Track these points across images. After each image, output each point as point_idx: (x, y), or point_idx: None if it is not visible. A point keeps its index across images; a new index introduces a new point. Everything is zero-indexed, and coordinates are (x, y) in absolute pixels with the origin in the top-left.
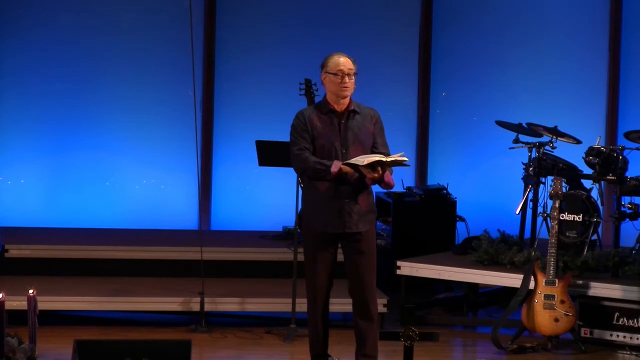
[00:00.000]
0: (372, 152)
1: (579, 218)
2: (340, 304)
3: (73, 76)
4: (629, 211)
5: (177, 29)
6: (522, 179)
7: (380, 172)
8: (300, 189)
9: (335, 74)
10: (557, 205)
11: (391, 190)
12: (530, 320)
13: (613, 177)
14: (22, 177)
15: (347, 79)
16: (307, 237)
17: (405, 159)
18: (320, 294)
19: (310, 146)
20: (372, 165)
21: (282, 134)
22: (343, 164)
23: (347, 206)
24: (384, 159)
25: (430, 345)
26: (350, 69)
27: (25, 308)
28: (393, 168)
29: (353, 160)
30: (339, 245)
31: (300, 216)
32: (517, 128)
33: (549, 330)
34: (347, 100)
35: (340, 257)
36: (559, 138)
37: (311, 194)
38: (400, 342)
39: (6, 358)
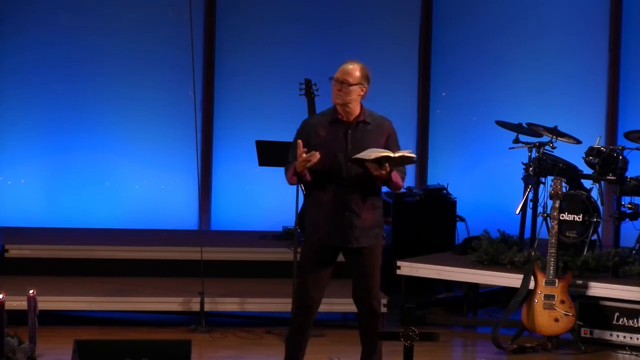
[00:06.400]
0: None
1: (579, 218)
2: (341, 304)
3: (73, 76)
4: (629, 211)
5: (177, 29)
6: (522, 179)
7: (387, 168)
8: (300, 189)
9: (332, 80)
10: (557, 205)
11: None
12: (530, 320)
13: (613, 177)
14: (22, 177)
15: (337, 86)
16: (306, 246)
17: (413, 155)
18: (313, 309)
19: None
20: (380, 162)
21: (282, 134)
22: (351, 159)
23: (348, 219)
24: (391, 154)
25: (430, 345)
26: (345, 79)
27: (25, 308)
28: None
29: (360, 155)
30: (339, 255)
31: (300, 216)
32: (517, 128)
33: (549, 330)
34: (355, 110)
35: (340, 257)
36: (559, 138)
37: (314, 203)
38: (400, 342)
39: (6, 358)
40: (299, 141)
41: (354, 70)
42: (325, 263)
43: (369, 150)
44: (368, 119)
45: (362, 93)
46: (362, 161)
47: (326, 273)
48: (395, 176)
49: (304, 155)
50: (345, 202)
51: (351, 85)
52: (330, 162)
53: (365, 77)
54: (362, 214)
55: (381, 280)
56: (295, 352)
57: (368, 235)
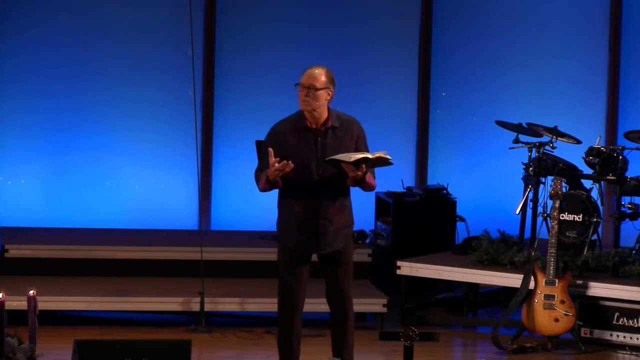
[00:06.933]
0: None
1: (579, 218)
2: None
3: (73, 76)
4: (629, 211)
5: (177, 29)
6: (522, 179)
7: (364, 169)
8: None
9: (297, 86)
10: (557, 205)
11: (391, 190)
12: (530, 320)
13: (613, 177)
14: (22, 177)
15: (304, 92)
16: (281, 249)
17: (389, 156)
18: (297, 309)
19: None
20: (357, 163)
21: None
22: (327, 159)
23: (321, 227)
24: (370, 156)
25: (430, 345)
26: (311, 84)
27: (25, 308)
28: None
29: (339, 156)
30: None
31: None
32: (517, 128)
33: (549, 330)
34: (323, 115)
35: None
36: (559, 138)
37: (285, 212)
38: (400, 342)
39: (6, 358)
40: (270, 150)
41: (320, 74)
42: (302, 263)
43: (347, 153)
44: (336, 123)
45: (328, 97)
46: (339, 162)
47: (305, 270)
48: (369, 177)
49: (277, 164)
50: (318, 209)
51: (318, 90)
52: (302, 171)
53: (331, 81)
54: (334, 218)
55: (381, 280)
56: (289, 352)
57: (339, 237)
